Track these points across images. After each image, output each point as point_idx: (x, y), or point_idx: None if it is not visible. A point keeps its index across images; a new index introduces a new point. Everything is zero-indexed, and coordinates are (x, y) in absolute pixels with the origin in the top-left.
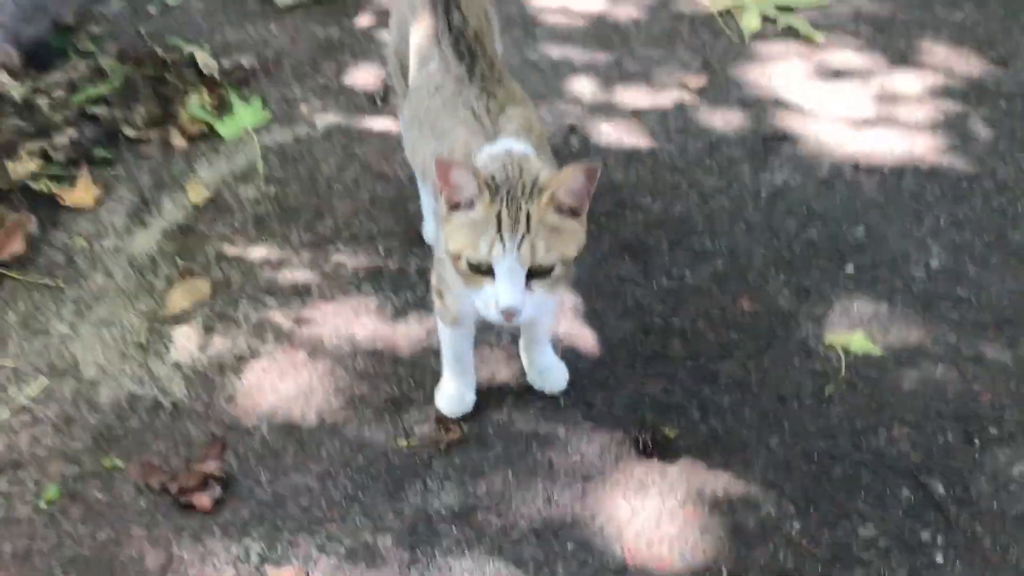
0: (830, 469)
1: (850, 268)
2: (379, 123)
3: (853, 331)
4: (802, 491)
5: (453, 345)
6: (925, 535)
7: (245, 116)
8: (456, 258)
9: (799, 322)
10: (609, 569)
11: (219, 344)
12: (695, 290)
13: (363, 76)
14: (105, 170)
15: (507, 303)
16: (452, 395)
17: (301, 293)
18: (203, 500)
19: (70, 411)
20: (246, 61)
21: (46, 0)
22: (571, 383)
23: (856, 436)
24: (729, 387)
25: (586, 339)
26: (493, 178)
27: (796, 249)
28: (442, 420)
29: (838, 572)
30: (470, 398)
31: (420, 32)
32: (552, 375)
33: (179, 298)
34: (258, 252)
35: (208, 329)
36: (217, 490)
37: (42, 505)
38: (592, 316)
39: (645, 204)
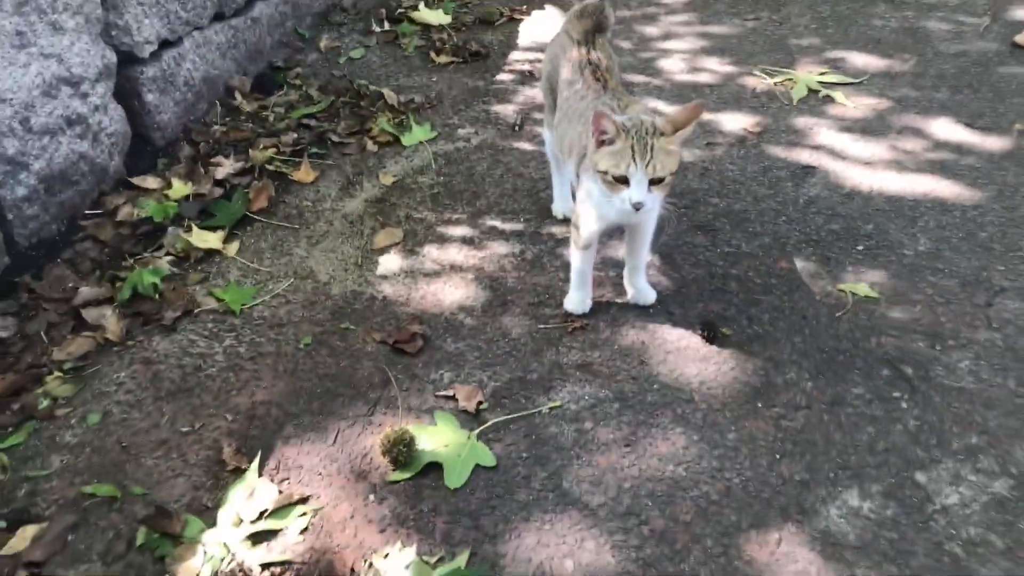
0: (835, 356)
1: (860, 248)
2: (517, 142)
3: (859, 283)
4: (815, 366)
5: (581, 264)
6: (895, 394)
7: (419, 133)
8: (604, 173)
9: (822, 276)
10: (681, 399)
11: (412, 265)
12: (747, 255)
13: (504, 112)
14: (319, 161)
15: (638, 198)
16: (576, 299)
17: (467, 242)
18: (411, 346)
19: (312, 297)
20: (417, 98)
21: (264, 47)
22: (658, 301)
23: (855, 340)
24: (768, 309)
25: (671, 277)
26: (625, 126)
27: (822, 235)
28: (569, 316)
29: (836, 410)
30: (589, 302)
31: (568, 65)
32: (645, 293)
33: (381, 239)
34: (434, 216)
35: (404, 256)
36: (420, 341)
37: (300, 346)
38: (674, 266)
39: (714, 202)
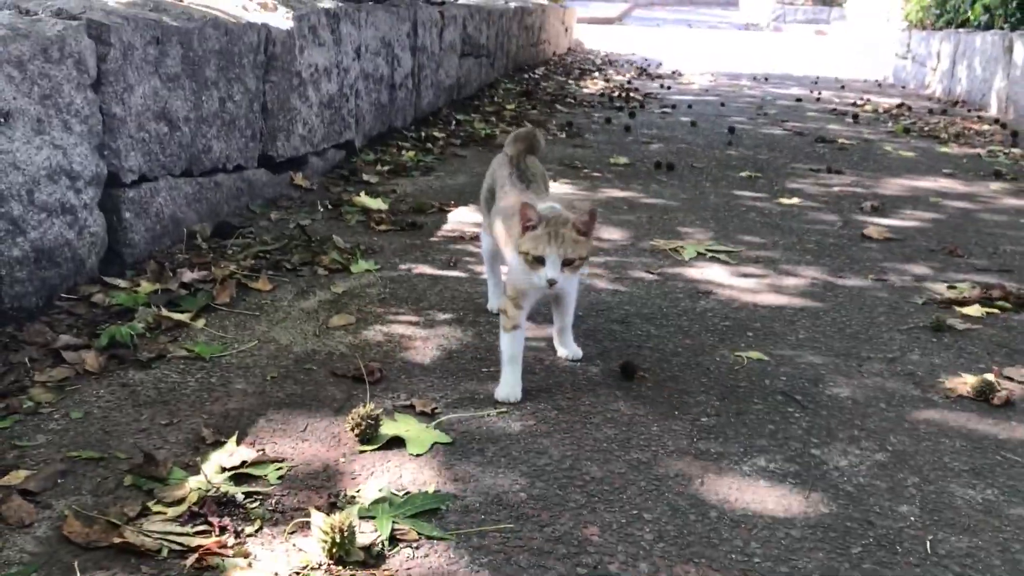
0: (736, 389)
1: (750, 334)
2: (453, 272)
3: (752, 352)
4: (720, 394)
5: (510, 348)
6: (790, 409)
7: (365, 264)
8: (526, 254)
9: (720, 349)
10: (609, 408)
11: (366, 337)
12: (656, 336)
13: (440, 256)
14: (276, 277)
15: (551, 275)
16: (507, 388)
17: (413, 324)
18: (371, 377)
19: (276, 353)
20: (362, 246)
21: (222, 209)
22: (583, 359)
23: (752, 381)
24: (677, 365)
25: (595, 347)
26: (545, 216)
27: (718, 328)
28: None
29: (741, 417)
30: (519, 391)
31: (504, 175)
32: (573, 349)
33: (336, 321)
34: (383, 310)
35: (358, 332)
36: (378, 374)
37: (267, 379)
38: (596, 341)
39: (626, 308)
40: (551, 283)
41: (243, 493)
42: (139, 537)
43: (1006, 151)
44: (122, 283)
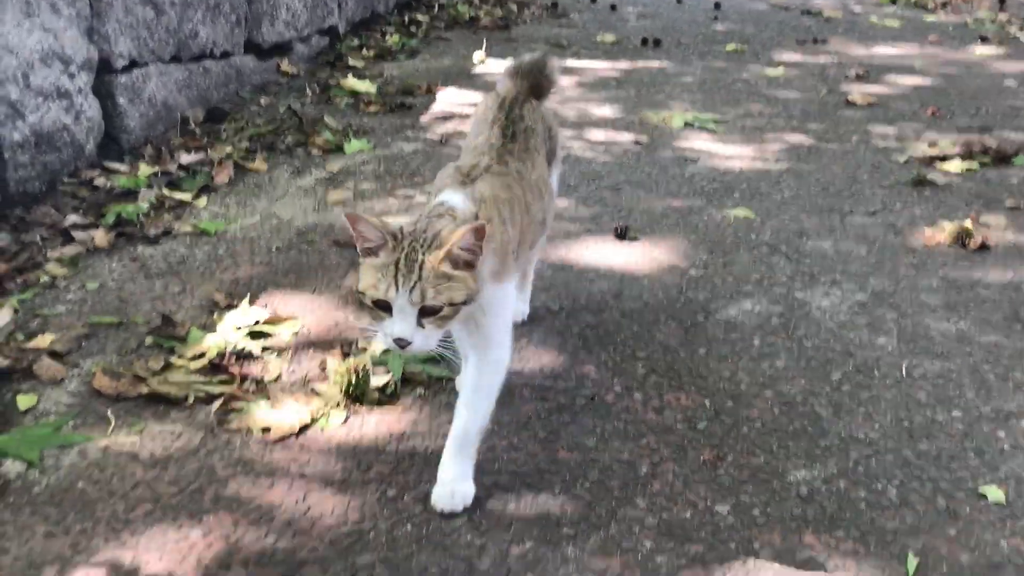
0: (723, 243)
1: (737, 195)
2: (445, 150)
3: (738, 209)
4: (709, 249)
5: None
6: (774, 259)
7: (358, 144)
8: (363, 294)
9: (709, 210)
10: (603, 267)
11: (362, 209)
12: (644, 199)
13: (431, 136)
14: (271, 157)
15: (398, 334)
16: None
17: (407, 199)
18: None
19: (278, 227)
20: (353, 125)
21: (212, 96)
22: (582, 217)
23: (738, 237)
24: (668, 225)
25: (592, 202)
26: (401, 230)
27: (706, 190)
28: None
29: (728, 268)
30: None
31: (481, 118)
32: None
33: (334, 196)
34: (379, 185)
35: (355, 205)
36: None
37: (272, 250)
38: (590, 196)
39: (615, 175)
40: (400, 344)
41: (260, 348)
42: (165, 387)
43: (992, 17)
44: (121, 167)
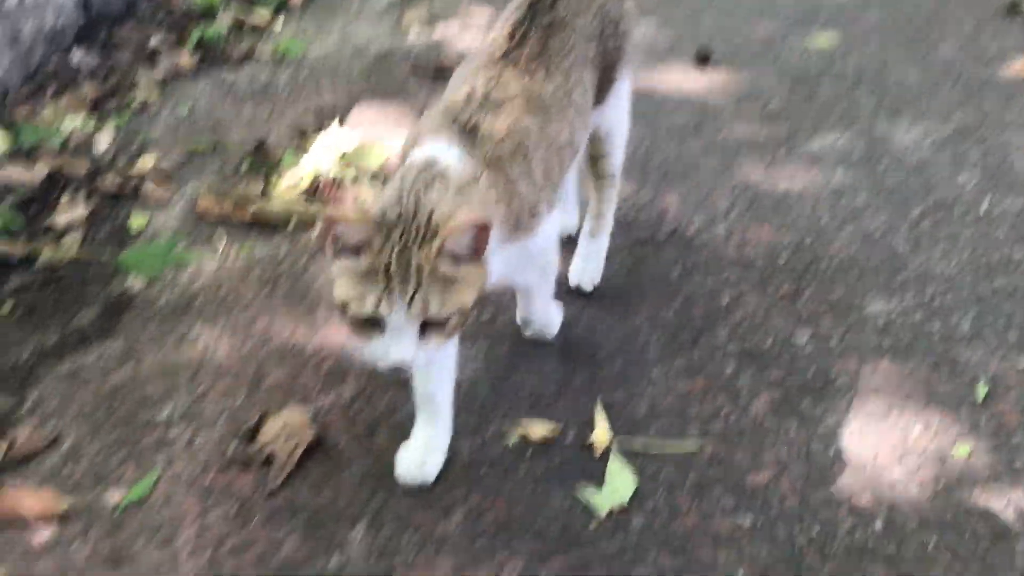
0: (805, 75)
1: (818, 25)
2: None
3: (820, 37)
4: (789, 82)
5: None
6: (857, 92)
7: None
8: (342, 308)
9: (789, 38)
10: (683, 97)
11: (440, 32)
12: (725, 28)
13: None
14: None
15: (397, 359)
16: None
17: (486, 15)
18: (447, 72)
19: (358, 52)
20: None
21: None
22: (660, 49)
23: (820, 69)
24: (750, 53)
25: (669, 30)
26: (384, 215)
27: (779, 20)
28: None
29: (809, 103)
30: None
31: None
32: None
33: (410, 18)
34: (462, 7)
35: (430, 30)
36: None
37: (355, 75)
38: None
39: (701, 17)
40: (398, 367)
41: (352, 174)
42: (266, 212)
43: None
44: None
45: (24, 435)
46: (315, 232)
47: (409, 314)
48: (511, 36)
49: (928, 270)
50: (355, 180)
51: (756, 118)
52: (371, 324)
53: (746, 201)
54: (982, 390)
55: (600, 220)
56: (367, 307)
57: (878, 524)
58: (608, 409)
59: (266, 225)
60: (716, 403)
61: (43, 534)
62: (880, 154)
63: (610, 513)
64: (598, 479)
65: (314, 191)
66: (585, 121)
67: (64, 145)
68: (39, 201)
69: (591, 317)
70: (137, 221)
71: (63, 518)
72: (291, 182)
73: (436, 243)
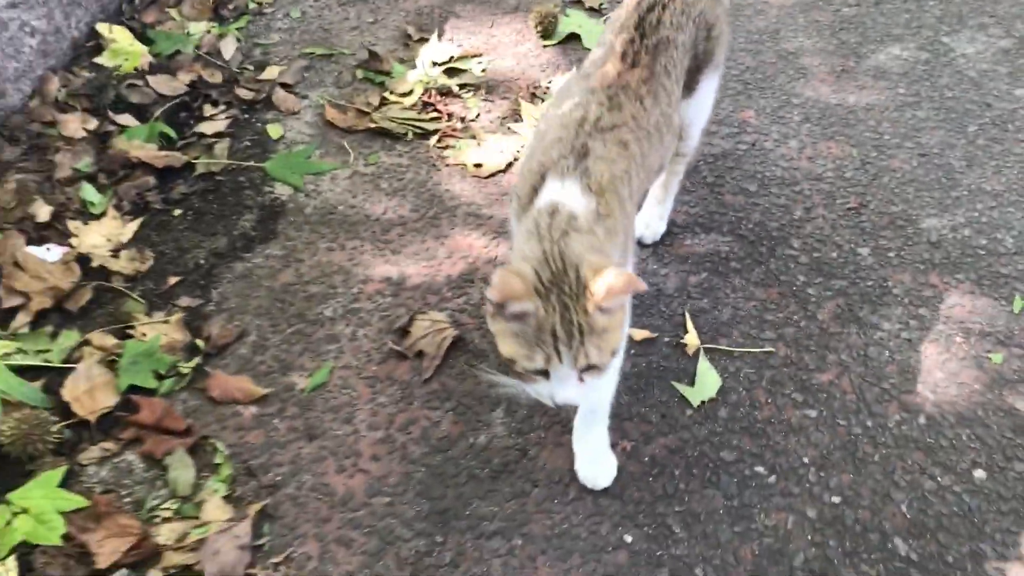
0: None
1: None
2: None
3: None
4: None
5: None
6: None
7: None
8: (510, 362)
9: None
10: None
11: None
12: None
13: None
14: None
15: (564, 400)
16: None
17: None
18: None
19: None
20: None
21: None
22: None
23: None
24: None
25: None
26: (539, 278)
27: None
28: None
29: (878, 7)
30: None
31: (614, 19)
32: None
33: None
34: None
35: None
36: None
37: None
38: None
39: None
40: (564, 406)
41: (457, 85)
42: (386, 123)
43: None
44: None
45: (217, 329)
46: (432, 143)
47: (573, 362)
48: (623, 57)
49: (979, 187)
50: (460, 92)
51: (828, 26)
52: (538, 373)
53: (818, 113)
54: (1019, 303)
55: (668, 188)
56: (537, 364)
57: (921, 419)
58: (696, 316)
59: (387, 134)
60: (788, 310)
61: (249, 411)
62: (942, 66)
63: (701, 404)
64: (690, 376)
65: (425, 104)
66: (673, 139)
67: (197, 53)
68: (186, 110)
69: (680, 228)
70: (274, 131)
71: (262, 399)
72: (403, 91)
73: (589, 300)
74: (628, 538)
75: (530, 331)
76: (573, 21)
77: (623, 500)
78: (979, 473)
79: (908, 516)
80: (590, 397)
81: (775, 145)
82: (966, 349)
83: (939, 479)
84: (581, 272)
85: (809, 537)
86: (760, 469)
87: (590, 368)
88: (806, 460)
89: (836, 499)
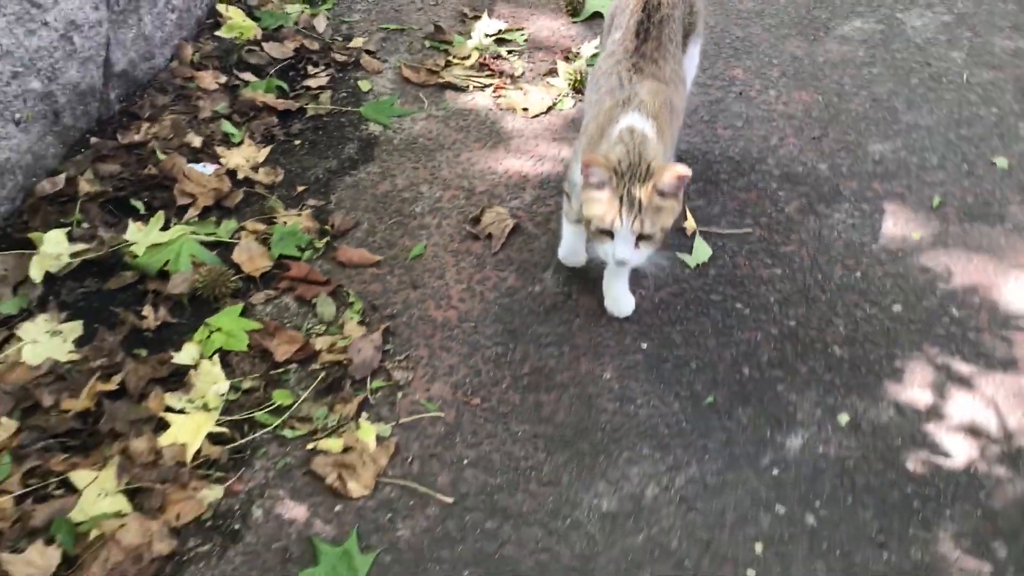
0: None
1: None
2: None
3: None
4: None
5: (570, 237)
6: None
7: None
8: (588, 222)
9: None
10: None
11: None
12: None
13: None
14: None
15: (621, 257)
16: (567, 249)
17: None
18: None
19: None
20: None
21: None
22: None
23: None
24: None
25: None
26: (619, 163)
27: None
28: None
29: None
30: (583, 254)
31: (623, 7)
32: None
33: None
34: None
35: None
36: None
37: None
38: None
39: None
40: (620, 263)
41: (505, 51)
42: (451, 78)
43: None
44: None
45: (338, 220)
46: (488, 93)
47: (632, 229)
48: (637, 34)
49: (916, 123)
50: (507, 56)
51: (803, 4)
52: (606, 233)
53: (793, 70)
54: (936, 200)
55: None
56: (606, 223)
57: (858, 273)
58: (694, 210)
59: (453, 88)
60: (763, 206)
61: (369, 271)
62: (895, 35)
63: (697, 266)
64: (688, 248)
65: (481, 65)
66: (685, 88)
67: (296, 28)
68: (294, 70)
69: (682, 153)
70: (364, 85)
71: (376, 264)
72: (463, 55)
73: (650, 184)
74: (644, 345)
75: (605, 199)
76: (596, 2)
77: (639, 324)
78: (897, 307)
79: (844, 333)
80: (640, 261)
81: (757, 94)
82: (895, 230)
83: (867, 310)
84: (651, 166)
85: (772, 345)
86: (739, 305)
87: (643, 238)
88: (772, 300)
89: (792, 323)
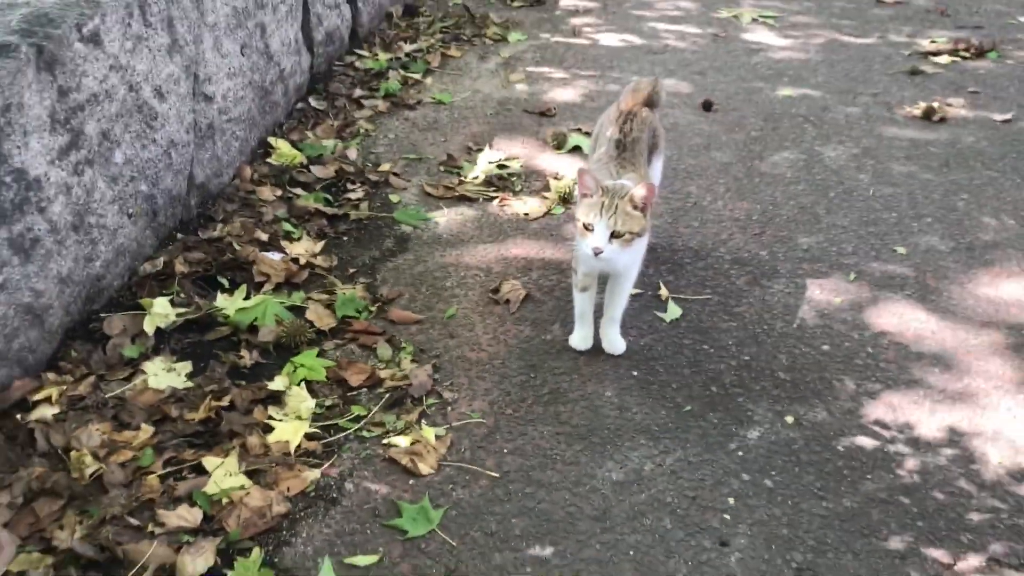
0: None
1: (786, 79)
2: (577, 41)
3: (791, 92)
4: (763, 118)
5: (580, 306)
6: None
7: (516, 35)
8: (578, 220)
9: (766, 91)
10: (697, 130)
11: (535, 87)
12: (725, 82)
13: (565, 29)
14: (460, 46)
15: (596, 244)
16: (579, 337)
17: (562, 80)
18: (549, 112)
19: (484, 99)
20: (507, 21)
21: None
22: (672, 102)
23: None
24: (740, 100)
25: (681, 63)
26: (608, 187)
27: (757, 78)
28: None
29: None
30: (591, 340)
31: (607, 130)
32: (614, 343)
33: (514, 77)
34: (539, 70)
35: (529, 85)
36: (553, 111)
37: (487, 114)
38: (680, 53)
39: (701, 62)
40: (595, 252)
41: (506, 173)
42: (465, 192)
43: None
44: (366, 54)
45: (385, 291)
46: (494, 203)
47: (608, 225)
48: (617, 147)
49: (834, 223)
50: (508, 177)
51: (742, 142)
52: (588, 229)
53: (736, 187)
54: (852, 276)
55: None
56: (590, 219)
57: (794, 324)
58: (666, 283)
59: (466, 199)
60: (719, 281)
61: (414, 327)
62: (815, 163)
63: (671, 320)
64: (664, 309)
65: (487, 183)
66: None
67: (333, 156)
68: (335, 187)
69: (652, 246)
70: (394, 197)
71: (420, 322)
72: (471, 177)
73: (627, 198)
74: (635, 373)
75: (591, 203)
76: (575, 139)
77: (630, 359)
78: (825, 347)
79: (786, 364)
80: (615, 262)
81: (709, 204)
82: (821, 296)
83: (803, 349)
84: (628, 191)
85: (732, 372)
86: (705, 347)
87: (615, 235)
88: (730, 343)
89: (747, 358)
